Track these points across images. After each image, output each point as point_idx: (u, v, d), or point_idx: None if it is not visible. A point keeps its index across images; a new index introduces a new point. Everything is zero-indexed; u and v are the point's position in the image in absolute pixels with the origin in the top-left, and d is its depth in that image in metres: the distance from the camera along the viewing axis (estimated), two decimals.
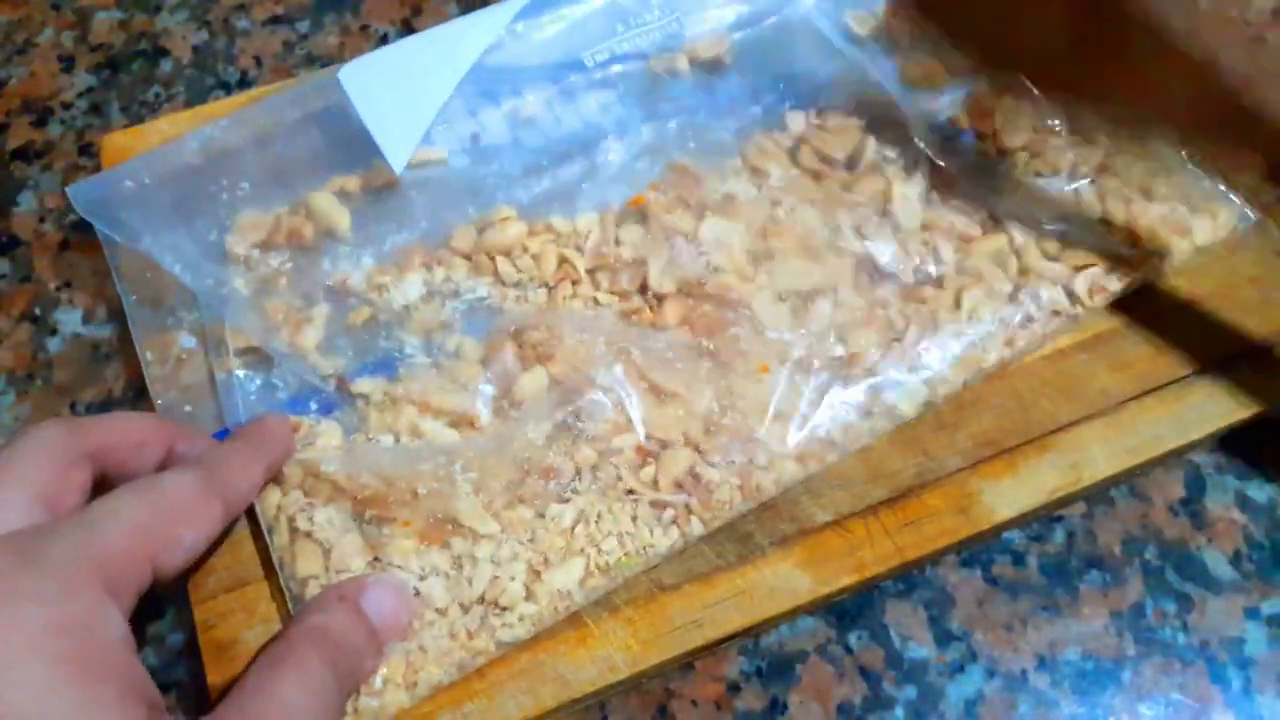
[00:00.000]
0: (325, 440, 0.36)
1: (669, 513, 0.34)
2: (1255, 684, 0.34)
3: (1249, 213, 0.40)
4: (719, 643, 0.34)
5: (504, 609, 0.32)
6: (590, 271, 0.39)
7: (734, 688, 0.34)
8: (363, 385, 0.37)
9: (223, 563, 0.34)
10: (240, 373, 0.37)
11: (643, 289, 0.39)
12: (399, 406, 0.36)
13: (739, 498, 0.35)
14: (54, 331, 0.42)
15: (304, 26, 0.52)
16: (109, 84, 0.50)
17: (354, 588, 0.31)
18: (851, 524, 0.35)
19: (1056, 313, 0.39)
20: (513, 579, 0.33)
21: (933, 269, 0.39)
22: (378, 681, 0.31)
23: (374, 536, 0.33)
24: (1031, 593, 0.36)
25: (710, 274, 0.39)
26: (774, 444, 0.35)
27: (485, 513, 0.34)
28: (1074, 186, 0.41)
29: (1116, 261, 0.39)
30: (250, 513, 0.35)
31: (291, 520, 0.34)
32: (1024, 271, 0.39)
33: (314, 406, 0.37)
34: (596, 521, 0.34)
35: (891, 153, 0.42)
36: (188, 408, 0.37)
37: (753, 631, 0.34)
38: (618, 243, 0.40)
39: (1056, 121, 0.41)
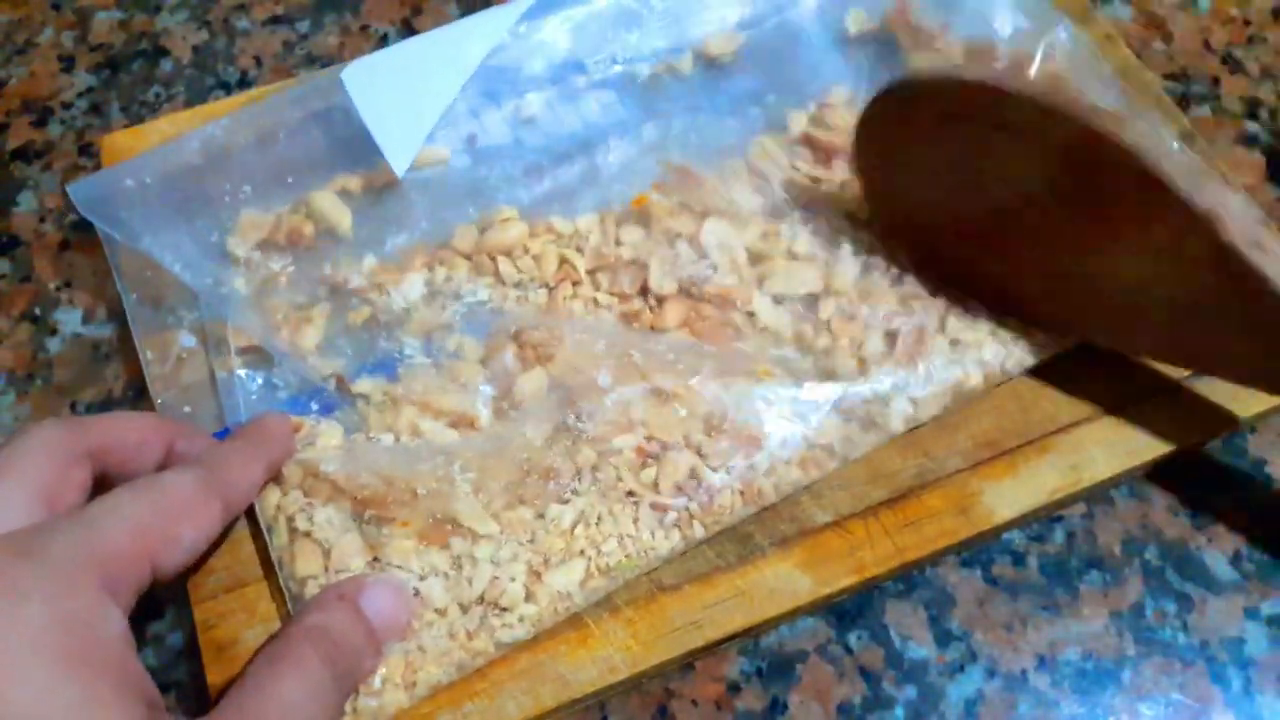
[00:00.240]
0: (325, 440, 0.36)
1: (670, 515, 0.34)
2: (1255, 684, 0.34)
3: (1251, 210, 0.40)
4: (719, 643, 0.34)
5: (503, 610, 0.32)
6: (591, 272, 0.39)
7: (734, 688, 0.34)
8: (362, 385, 0.37)
9: (222, 563, 0.34)
10: (241, 372, 0.37)
11: (643, 290, 0.39)
12: (399, 407, 0.36)
13: (740, 502, 0.35)
14: (54, 331, 0.42)
15: (304, 26, 0.51)
16: (109, 84, 0.50)
17: (353, 587, 0.31)
18: (851, 525, 0.35)
19: None
20: (512, 580, 0.33)
21: None
22: (377, 681, 0.31)
23: (373, 536, 0.33)
24: (1031, 593, 0.36)
25: (711, 276, 0.39)
26: (776, 449, 0.35)
27: (485, 513, 0.34)
28: None
29: None
30: (250, 513, 0.35)
31: (291, 520, 0.34)
32: None
33: (314, 406, 0.37)
34: (597, 523, 0.34)
35: None
36: (188, 407, 0.37)
37: (753, 632, 0.34)
38: (618, 243, 0.40)
39: None
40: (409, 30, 0.51)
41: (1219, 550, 0.37)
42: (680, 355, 0.37)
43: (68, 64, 0.50)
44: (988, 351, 0.37)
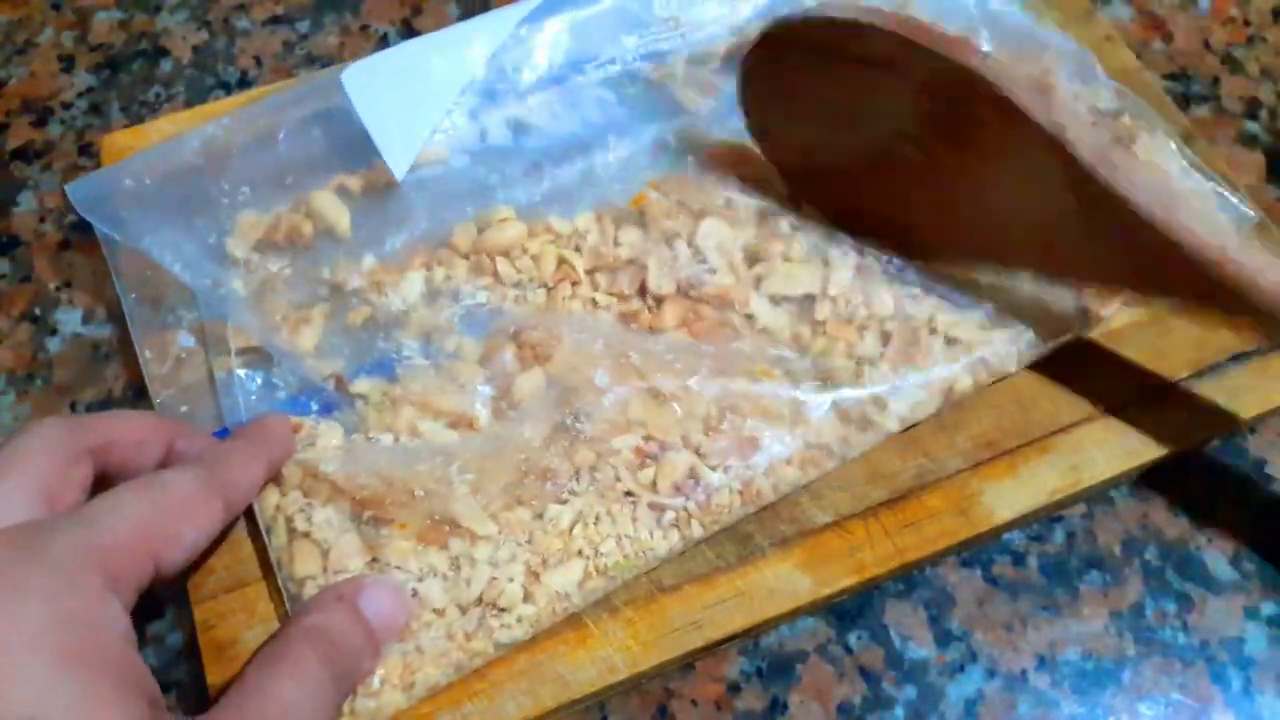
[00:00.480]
0: (325, 441, 0.36)
1: (669, 515, 0.34)
2: (1255, 684, 0.34)
3: (1248, 211, 0.40)
4: (719, 644, 0.34)
5: (502, 610, 0.32)
6: (589, 272, 0.39)
7: (734, 688, 0.34)
8: (361, 385, 0.37)
9: (222, 563, 0.34)
10: (240, 372, 0.37)
11: (641, 290, 0.39)
12: (398, 407, 0.36)
13: (739, 502, 0.34)
14: (54, 331, 0.42)
15: (304, 26, 0.52)
16: (109, 84, 0.50)
17: (352, 588, 0.31)
18: (851, 525, 0.35)
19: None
20: (511, 580, 0.33)
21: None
22: (375, 682, 0.31)
23: (372, 537, 0.33)
24: (1031, 593, 0.36)
25: (708, 277, 0.39)
26: (774, 449, 0.35)
27: (483, 514, 0.34)
28: None
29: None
30: (250, 513, 0.35)
31: (290, 520, 0.34)
32: None
33: (314, 407, 0.37)
34: (595, 523, 0.34)
35: None
36: (187, 407, 0.37)
37: (753, 632, 0.34)
38: (616, 244, 0.40)
39: None
40: (409, 30, 0.51)
41: (1219, 550, 0.37)
42: (678, 355, 0.37)
43: (68, 64, 0.50)
44: (982, 350, 0.37)
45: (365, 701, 0.31)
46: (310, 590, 0.32)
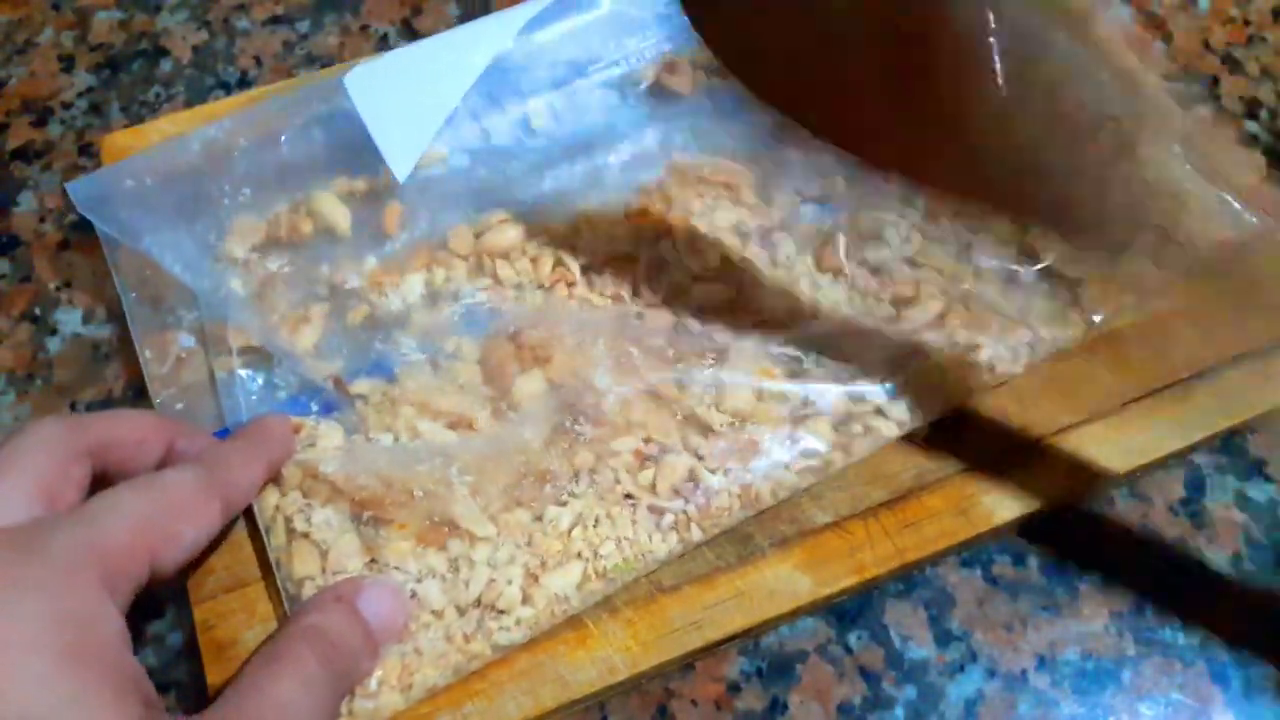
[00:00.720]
0: (325, 441, 0.36)
1: (668, 518, 0.34)
2: (1255, 684, 0.34)
3: (1250, 218, 0.40)
4: (719, 644, 0.34)
5: (500, 612, 0.32)
6: (589, 274, 0.39)
7: (734, 688, 0.34)
8: (360, 386, 0.37)
9: (222, 563, 0.34)
10: (241, 372, 0.37)
11: (641, 292, 0.39)
12: (397, 407, 0.36)
13: (738, 506, 0.34)
14: (54, 331, 0.42)
15: (304, 26, 0.52)
16: (109, 84, 0.50)
17: (350, 589, 0.31)
18: (851, 525, 0.35)
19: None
20: (510, 582, 0.33)
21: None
22: (372, 683, 0.31)
23: (371, 538, 0.33)
24: (1031, 593, 0.36)
25: (710, 278, 0.39)
26: (773, 452, 0.35)
27: (482, 515, 0.34)
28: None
29: None
30: (250, 513, 0.35)
31: (289, 521, 0.34)
32: None
33: (314, 407, 0.37)
34: (594, 526, 0.34)
35: None
36: (187, 407, 0.37)
37: (752, 633, 0.34)
38: (618, 245, 0.40)
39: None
40: (409, 30, 0.51)
41: (1219, 550, 0.37)
42: (679, 356, 0.37)
43: (68, 64, 0.50)
44: (985, 352, 0.37)
45: (363, 703, 0.31)
46: (309, 591, 0.32)
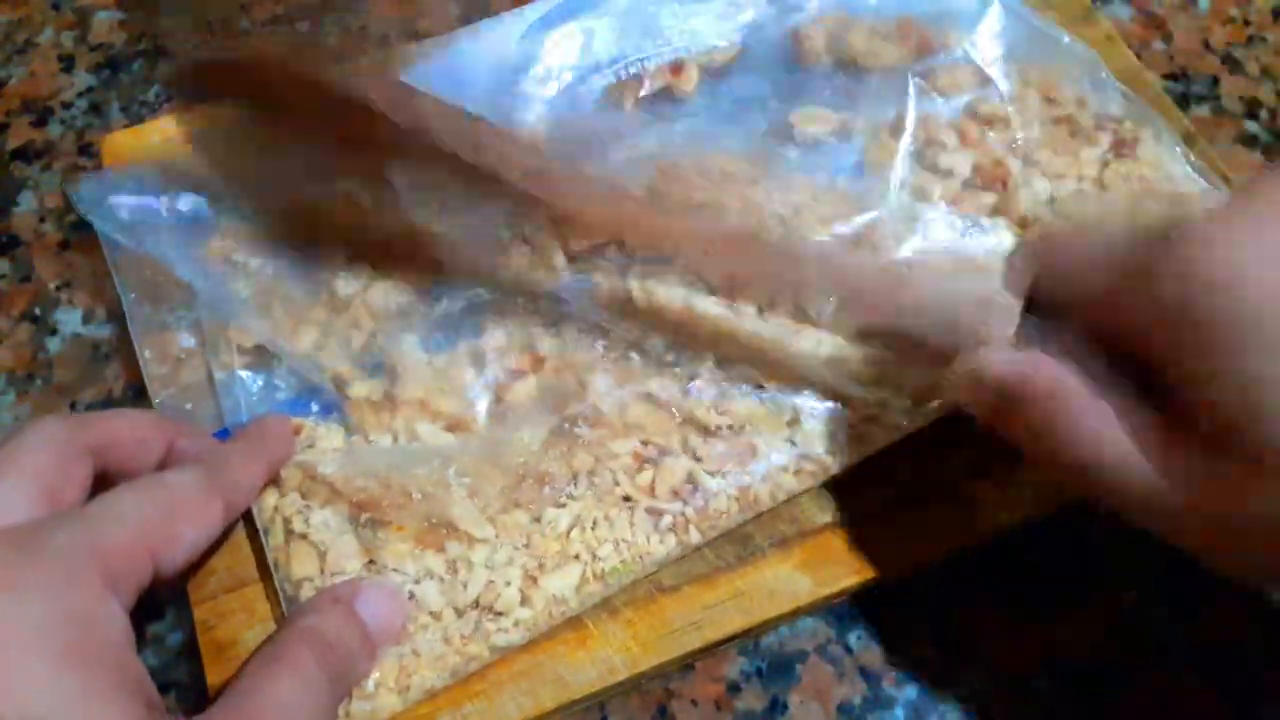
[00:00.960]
0: (325, 443, 0.36)
1: (666, 520, 0.34)
2: (1255, 684, 0.34)
3: None
4: (718, 644, 0.34)
5: (499, 614, 0.32)
6: (588, 275, 0.39)
7: (734, 688, 0.34)
8: (359, 387, 0.37)
9: (223, 563, 0.34)
10: (241, 372, 0.37)
11: (642, 294, 0.39)
12: (396, 408, 0.36)
13: (736, 508, 0.34)
14: (54, 331, 0.42)
15: (304, 26, 0.51)
16: (109, 84, 0.50)
17: (348, 591, 0.31)
18: (852, 525, 0.35)
19: None
20: (508, 584, 0.33)
21: None
22: (370, 685, 0.31)
23: (369, 539, 0.33)
24: (1032, 593, 0.36)
25: (710, 280, 0.39)
26: (772, 455, 0.35)
27: (481, 517, 0.34)
28: None
29: None
30: (250, 514, 0.35)
31: (288, 522, 0.34)
32: None
33: (315, 407, 0.37)
34: (593, 528, 0.34)
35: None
36: (187, 406, 0.37)
37: (752, 633, 0.34)
38: (618, 247, 0.40)
39: None
40: (409, 30, 0.51)
41: None
42: (678, 359, 0.37)
43: (68, 64, 0.50)
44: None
45: (360, 704, 0.31)
46: (307, 592, 0.32)
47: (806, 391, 0.36)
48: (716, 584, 0.34)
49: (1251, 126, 0.47)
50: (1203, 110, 0.47)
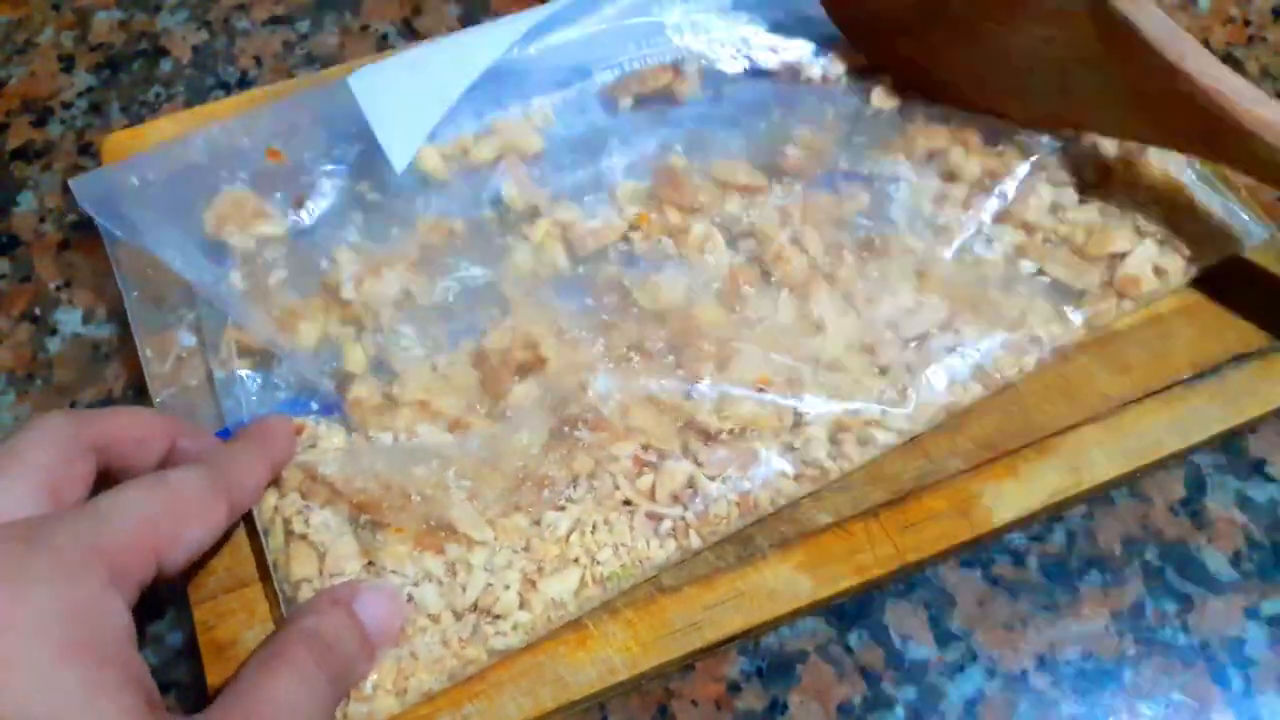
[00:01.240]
0: (326, 442, 0.36)
1: (666, 524, 0.34)
2: (1255, 684, 0.34)
3: (1259, 228, 0.40)
4: (719, 645, 0.34)
5: (497, 617, 0.32)
6: (590, 276, 0.39)
7: (734, 688, 0.34)
8: (360, 387, 0.37)
9: (223, 563, 0.34)
10: (241, 372, 0.37)
11: (644, 296, 0.39)
12: (396, 409, 0.36)
13: (736, 514, 0.34)
14: (54, 331, 0.42)
15: (304, 26, 0.52)
16: (109, 84, 0.50)
17: (347, 592, 0.31)
18: (852, 526, 0.35)
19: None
20: (507, 587, 0.33)
21: None
22: (368, 687, 0.31)
23: (369, 541, 0.33)
24: (1031, 593, 0.36)
25: (711, 283, 0.39)
26: (772, 460, 0.35)
27: (480, 519, 0.34)
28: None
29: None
30: (250, 514, 0.34)
31: (288, 522, 0.34)
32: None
33: (315, 407, 0.37)
34: (592, 531, 0.34)
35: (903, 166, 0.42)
36: (187, 406, 0.37)
37: (752, 633, 0.34)
38: (619, 248, 0.40)
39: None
40: (409, 30, 0.51)
41: (1219, 550, 0.37)
42: (679, 362, 0.37)
43: (68, 64, 0.50)
44: (985, 357, 0.37)
45: (358, 706, 0.31)
46: (306, 593, 0.32)
47: (808, 395, 0.36)
48: (717, 584, 0.34)
49: None
50: None
